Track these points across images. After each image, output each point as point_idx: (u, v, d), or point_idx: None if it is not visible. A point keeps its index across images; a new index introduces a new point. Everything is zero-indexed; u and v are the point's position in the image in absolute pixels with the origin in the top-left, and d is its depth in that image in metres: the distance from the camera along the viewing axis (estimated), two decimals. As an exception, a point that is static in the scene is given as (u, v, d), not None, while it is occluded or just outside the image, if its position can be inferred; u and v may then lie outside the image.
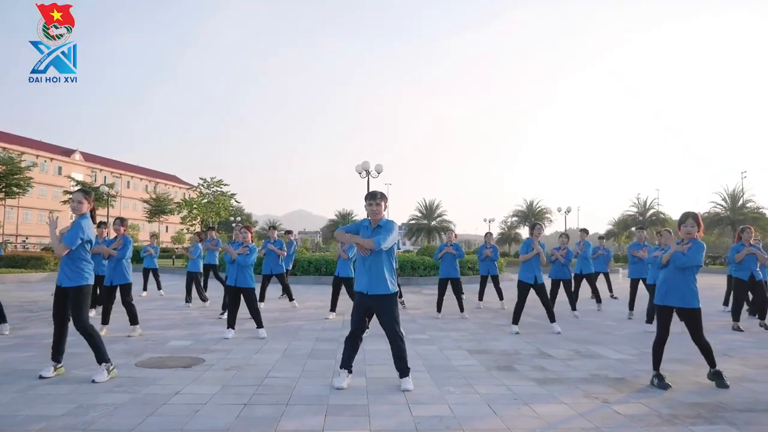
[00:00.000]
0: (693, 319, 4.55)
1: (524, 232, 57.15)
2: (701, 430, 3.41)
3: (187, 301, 10.17)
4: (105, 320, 6.98)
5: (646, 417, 3.65)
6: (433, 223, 56.10)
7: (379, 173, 20.83)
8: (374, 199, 4.38)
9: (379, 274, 4.27)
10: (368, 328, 6.84)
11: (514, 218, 55.96)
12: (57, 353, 4.66)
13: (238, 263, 6.70)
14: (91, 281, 4.76)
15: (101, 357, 4.54)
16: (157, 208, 50.13)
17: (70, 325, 4.67)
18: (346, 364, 4.38)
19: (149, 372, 4.81)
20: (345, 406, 3.82)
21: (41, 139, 70.74)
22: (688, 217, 4.70)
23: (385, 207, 4.46)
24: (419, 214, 56.66)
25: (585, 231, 11.11)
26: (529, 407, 3.85)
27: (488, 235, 11.57)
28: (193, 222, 42.10)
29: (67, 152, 71.80)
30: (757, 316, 8.39)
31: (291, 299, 10.21)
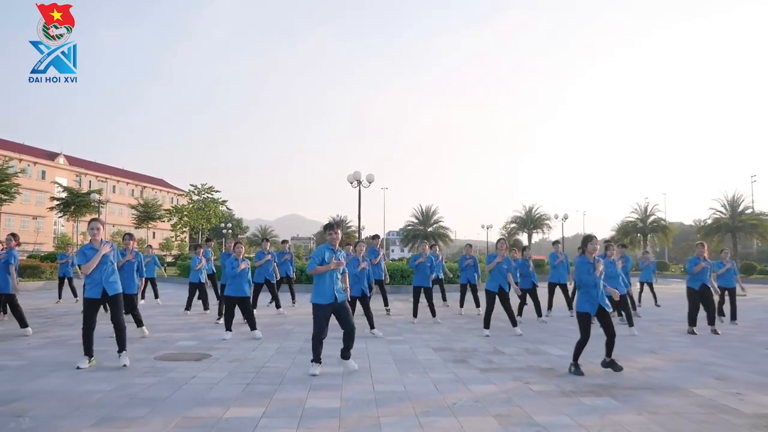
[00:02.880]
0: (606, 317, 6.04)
1: (524, 238, 58.73)
2: (587, 400, 4.85)
3: (186, 309, 11.59)
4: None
5: (551, 392, 5.10)
6: (430, 229, 57.58)
7: (370, 183, 22.28)
8: (332, 229, 6.05)
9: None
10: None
11: (513, 224, 57.55)
12: (89, 349, 6.08)
13: (233, 275, 8.17)
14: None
15: (123, 346, 6.02)
16: (145, 215, 51.49)
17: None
18: (318, 359, 5.83)
19: (167, 364, 6.24)
20: (324, 384, 5.27)
21: (24, 142, 72.08)
22: (593, 238, 6.18)
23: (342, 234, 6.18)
24: (415, 221, 58.17)
25: (557, 242, 12.60)
26: (465, 386, 5.30)
27: (468, 246, 13.07)
28: (184, 229, 43.47)
29: (51, 156, 73.14)
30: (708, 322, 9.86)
31: (278, 307, 11.61)
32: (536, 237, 58.78)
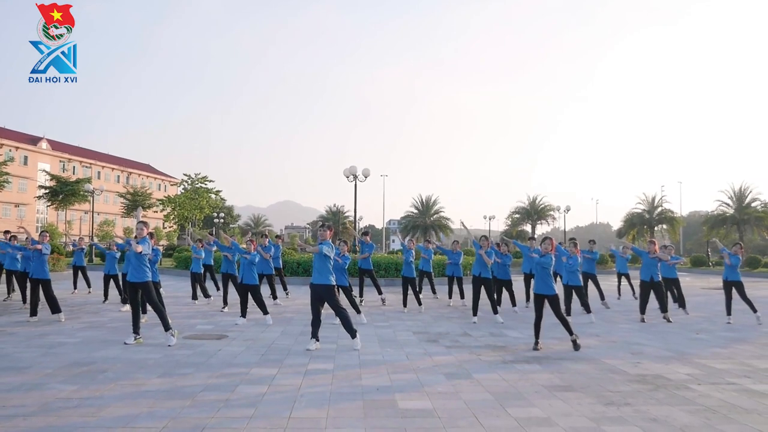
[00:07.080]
0: (553, 302, 8.11)
1: (529, 228, 60.91)
2: (519, 366, 6.97)
3: (193, 298, 13.71)
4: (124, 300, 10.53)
5: (494, 361, 7.22)
6: (432, 218, 59.65)
7: (366, 177, 24.33)
8: (322, 228, 8.16)
9: (325, 271, 7.83)
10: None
11: (517, 215, 59.72)
12: (136, 328, 8.19)
13: (247, 263, 10.29)
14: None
15: (167, 326, 8.11)
16: (134, 203, 53.66)
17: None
18: (316, 335, 7.93)
19: (195, 342, 8.38)
20: (321, 356, 7.40)
21: (5, 126, 73.98)
22: (546, 239, 8.27)
23: (330, 234, 8.13)
24: (415, 211, 60.25)
25: (533, 239, 14.76)
26: (430, 357, 7.43)
27: (455, 243, 15.20)
28: (177, 219, 45.71)
29: (34, 140, 75.07)
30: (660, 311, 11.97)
31: (275, 298, 13.64)
32: (541, 228, 60.87)
